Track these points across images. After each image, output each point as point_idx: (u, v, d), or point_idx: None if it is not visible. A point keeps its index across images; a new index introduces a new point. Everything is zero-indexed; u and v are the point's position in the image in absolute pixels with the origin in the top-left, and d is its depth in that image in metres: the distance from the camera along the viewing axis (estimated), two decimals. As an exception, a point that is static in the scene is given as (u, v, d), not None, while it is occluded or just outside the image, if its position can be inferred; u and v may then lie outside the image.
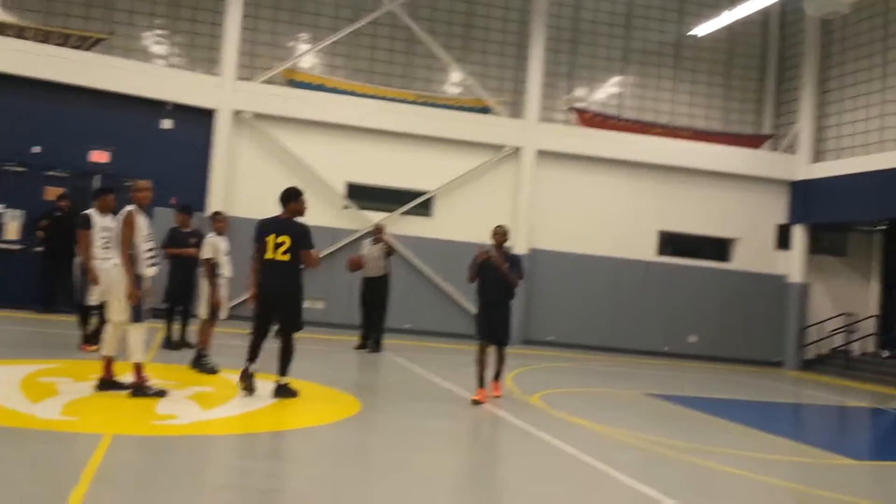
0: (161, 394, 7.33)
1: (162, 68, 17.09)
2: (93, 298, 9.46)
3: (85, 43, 16.13)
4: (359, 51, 18.42)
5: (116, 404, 6.99)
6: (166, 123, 16.19)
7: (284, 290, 7.88)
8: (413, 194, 17.40)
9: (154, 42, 17.61)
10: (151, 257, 7.52)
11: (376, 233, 13.61)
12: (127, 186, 15.37)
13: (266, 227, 7.97)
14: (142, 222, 7.42)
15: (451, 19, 18.89)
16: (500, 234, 9.38)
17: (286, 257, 7.78)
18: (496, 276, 9.01)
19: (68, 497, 4.22)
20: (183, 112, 16.26)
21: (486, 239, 16.92)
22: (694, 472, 6.69)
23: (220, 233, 9.93)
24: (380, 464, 6.02)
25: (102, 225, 9.38)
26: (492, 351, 9.07)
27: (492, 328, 9.02)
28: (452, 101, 18.31)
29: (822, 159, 18.97)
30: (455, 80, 18.96)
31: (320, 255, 7.77)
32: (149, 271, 7.48)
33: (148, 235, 7.48)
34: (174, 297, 11.22)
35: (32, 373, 7.77)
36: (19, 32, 15.74)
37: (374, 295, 13.32)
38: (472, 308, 17.32)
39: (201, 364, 9.27)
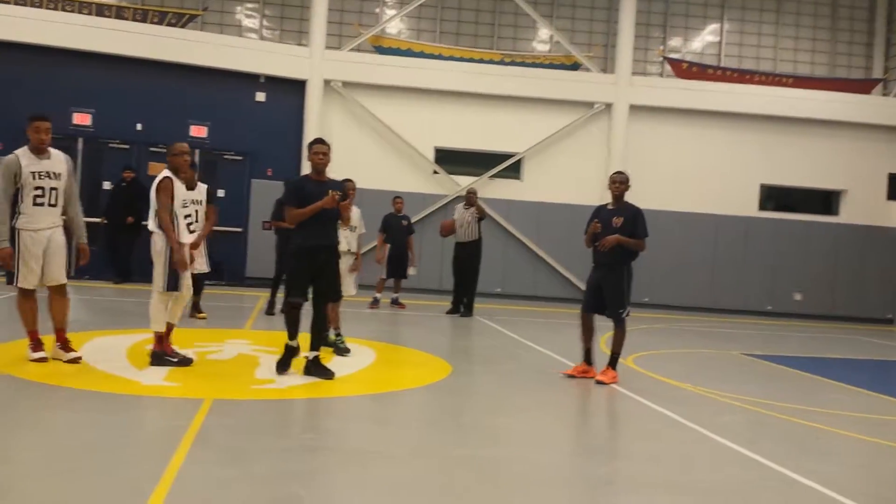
0: (186, 362, 7.11)
1: (254, 42, 17.47)
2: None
3: (180, 20, 16.63)
4: (445, 13, 18.30)
5: (217, 370, 7.27)
6: (260, 96, 16.56)
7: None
8: (502, 157, 17.26)
9: (246, 16, 17.99)
10: (190, 224, 7.36)
11: (468, 197, 13.52)
12: (225, 159, 16.18)
13: None
14: (179, 188, 7.17)
15: (539, -26, 18.47)
16: (618, 183, 7.94)
17: None
18: (609, 233, 7.81)
19: (171, 459, 4.42)
20: (275, 84, 16.60)
21: (578, 199, 16.82)
22: (800, 433, 6.44)
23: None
24: (470, 427, 6.05)
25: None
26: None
27: (595, 295, 8.00)
28: (540, 59, 17.99)
29: (940, 102, 17.74)
30: (543, 37, 18.62)
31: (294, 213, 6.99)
32: (187, 238, 7.29)
33: (185, 202, 7.27)
34: (281, 268, 11.50)
35: (139, 341, 8.15)
36: (118, 12, 16.35)
37: (467, 260, 13.32)
38: (565, 270, 17.24)
39: (337, 344, 8.53)
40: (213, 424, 5.30)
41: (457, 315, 13.33)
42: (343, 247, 8.49)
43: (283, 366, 7.15)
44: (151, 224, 7.11)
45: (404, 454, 5.09)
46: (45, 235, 6.75)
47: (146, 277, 7.68)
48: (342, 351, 8.43)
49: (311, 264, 7.07)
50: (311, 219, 6.99)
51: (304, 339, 7.25)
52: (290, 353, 7.19)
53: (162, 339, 7.18)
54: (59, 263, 6.85)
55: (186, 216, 7.31)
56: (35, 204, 6.67)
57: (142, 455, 4.64)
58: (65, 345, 6.94)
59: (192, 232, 7.41)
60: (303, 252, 7.07)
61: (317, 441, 5.28)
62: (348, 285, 8.81)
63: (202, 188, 8.04)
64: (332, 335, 8.45)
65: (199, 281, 10.03)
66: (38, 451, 4.60)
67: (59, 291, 6.94)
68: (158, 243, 7.06)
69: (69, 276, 7.09)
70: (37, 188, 6.67)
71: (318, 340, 7.23)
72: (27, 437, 4.94)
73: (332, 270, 7.26)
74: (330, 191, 7.01)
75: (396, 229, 13.65)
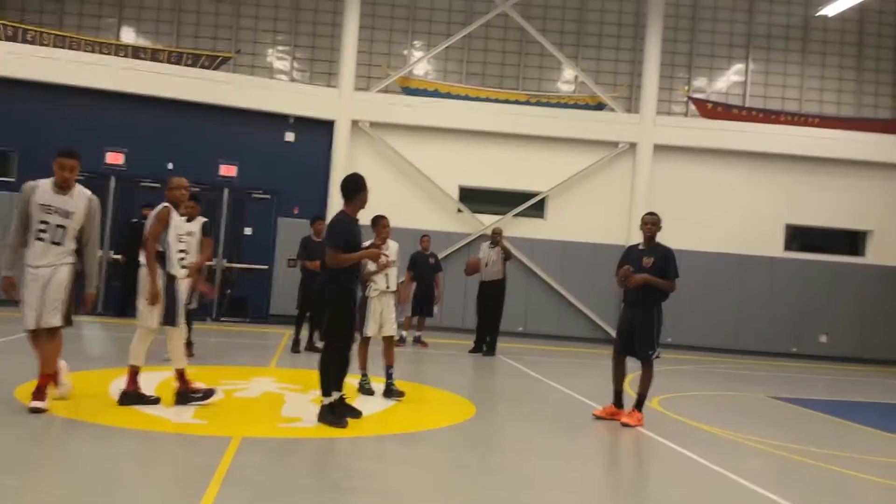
0: (154, 401, 6.90)
1: (285, 83, 17.86)
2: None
3: (213, 62, 17.05)
4: (471, 54, 18.60)
5: (244, 408, 7.35)
6: (289, 136, 16.87)
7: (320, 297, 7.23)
8: (526, 195, 17.38)
9: (277, 58, 18.41)
10: (182, 258, 7.19)
11: (494, 237, 13.58)
12: (253, 198, 16.44)
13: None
14: (176, 220, 7.01)
15: (564, 16, 18.77)
16: (651, 224, 7.96)
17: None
18: (639, 271, 7.83)
19: (202, 497, 4.49)
20: (304, 124, 16.91)
21: (601, 238, 16.86)
22: (828, 479, 6.39)
23: (384, 240, 8.48)
24: (496, 468, 6.07)
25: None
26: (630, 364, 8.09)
27: (626, 336, 7.99)
28: (565, 99, 18.18)
29: (967, 143, 17.62)
30: (568, 78, 18.83)
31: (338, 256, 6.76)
32: (181, 272, 7.11)
33: (181, 236, 7.16)
34: (305, 305, 11.64)
35: (166, 379, 8.25)
36: (153, 55, 16.80)
37: (491, 299, 13.35)
38: (588, 310, 17.22)
39: (362, 384, 8.51)
40: (243, 463, 5.37)
41: (480, 354, 13.34)
42: (381, 285, 8.40)
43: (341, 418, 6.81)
44: (142, 257, 6.91)
45: (433, 495, 5.12)
46: (45, 274, 6.28)
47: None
48: (367, 391, 8.44)
49: (351, 305, 6.99)
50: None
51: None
52: (344, 406, 7.01)
53: (136, 376, 6.88)
54: (51, 305, 6.26)
55: (180, 250, 7.18)
56: (36, 238, 6.28)
57: (173, 493, 4.72)
58: (40, 392, 6.30)
59: (183, 267, 7.26)
60: (347, 294, 6.94)
61: (345, 481, 5.33)
62: (393, 324, 8.59)
63: (199, 221, 8.12)
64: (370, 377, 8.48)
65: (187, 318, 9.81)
66: (67, 488, 4.69)
67: (48, 333, 6.34)
68: (146, 276, 6.83)
69: (70, 321, 6.49)
70: (41, 222, 6.28)
71: (341, 381, 7.05)
72: (55, 474, 5.03)
73: (353, 313, 7.11)
74: (381, 254, 7.45)
75: (424, 267, 13.77)
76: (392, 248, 8.67)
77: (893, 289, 17.61)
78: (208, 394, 7.12)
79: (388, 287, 8.50)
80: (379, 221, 8.40)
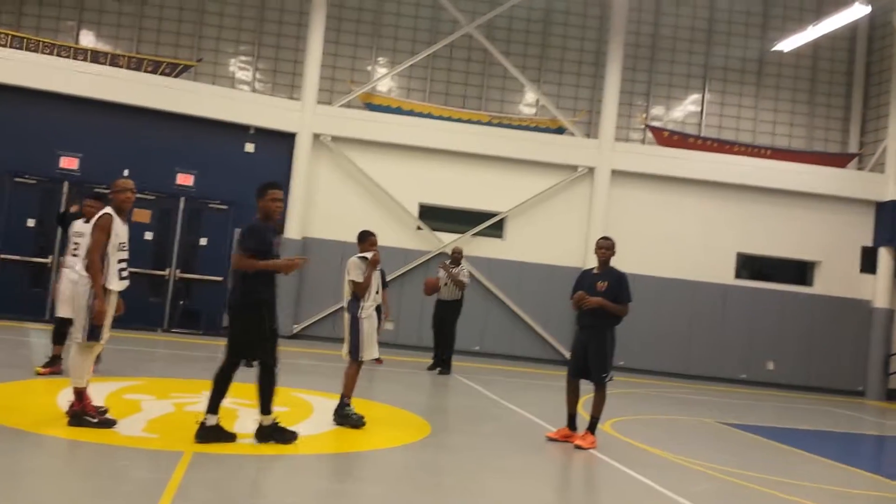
0: (108, 424, 6.46)
1: (246, 94, 17.74)
2: (61, 310, 8.75)
3: (175, 70, 16.87)
4: (435, 73, 18.70)
5: (196, 422, 7.23)
6: (249, 147, 16.74)
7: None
8: (485, 215, 17.49)
9: (239, 68, 18.29)
10: (122, 269, 6.66)
11: (454, 256, 13.69)
12: (210, 208, 16.24)
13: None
14: (119, 228, 6.59)
15: (528, 39, 18.99)
16: (605, 249, 8.10)
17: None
18: (593, 294, 7.93)
19: (150, 514, 4.42)
20: (265, 136, 16.80)
21: (558, 260, 17.04)
22: (770, 506, 6.52)
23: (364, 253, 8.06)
24: (449, 488, 6.07)
25: (77, 231, 8.62)
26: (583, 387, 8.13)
27: (580, 359, 8.07)
28: (527, 122, 18.36)
29: (912, 179, 18.24)
30: (530, 101, 19.04)
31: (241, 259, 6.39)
32: (118, 285, 6.64)
33: (122, 245, 6.65)
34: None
35: (117, 390, 8.11)
36: (113, 60, 16.57)
37: (445, 318, 13.48)
38: (543, 331, 17.35)
39: (344, 414, 7.79)
40: (195, 478, 5.29)
41: (436, 371, 13.34)
42: (371, 302, 7.95)
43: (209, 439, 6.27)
44: (79, 266, 6.59)
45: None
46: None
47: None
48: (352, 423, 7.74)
49: (265, 319, 6.50)
50: (267, 271, 6.48)
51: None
52: (220, 432, 6.38)
53: (83, 395, 6.49)
54: None
55: (121, 260, 6.65)
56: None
57: (121, 509, 4.63)
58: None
59: (123, 279, 6.71)
60: (261, 305, 6.46)
61: (298, 499, 5.28)
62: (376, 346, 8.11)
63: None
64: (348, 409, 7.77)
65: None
66: (11, 502, 4.56)
67: None
68: (81, 287, 6.49)
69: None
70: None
71: (271, 402, 6.59)
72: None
73: (275, 329, 6.64)
74: (297, 258, 6.83)
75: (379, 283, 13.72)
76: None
77: (839, 319, 18.08)
78: (107, 423, 6.49)
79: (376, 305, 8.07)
80: (367, 238, 8.05)
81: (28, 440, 5.99)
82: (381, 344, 14.06)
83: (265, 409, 6.58)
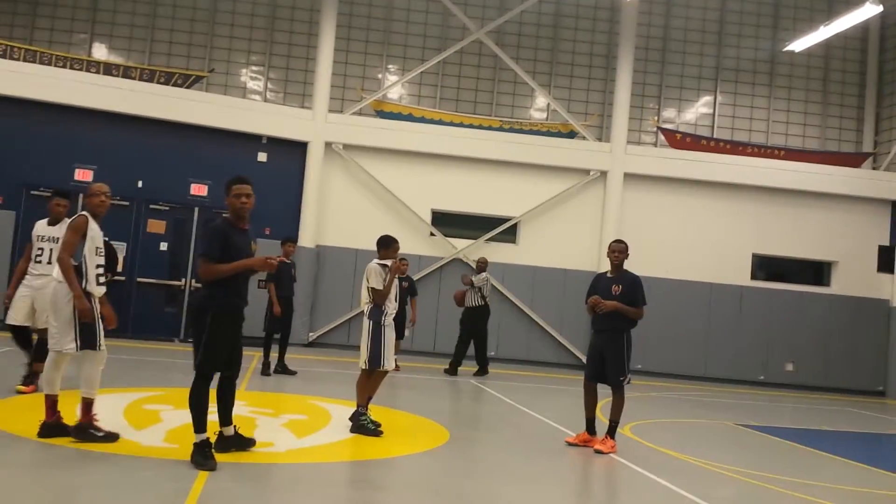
0: (111, 438, 6.27)
1: (258, 103, 17.81)
2: (13, 317, 8.15)
3: (186, 80, 16.96)
4: (445, 80, 18.73)
5: (215, 432, 7.23)
6: (262, 156, 16.80)
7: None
8: (498, 220, 17.47)
9: (251, 78, 18.37)
10: (100, 275, 6.40)
11: (478, 266, 14.46)
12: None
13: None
14: (94, 231, 6.34)
15: (538, 45, 19.00)
16: (618, 252, 8.01)
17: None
18: (607, 298, 7.89)
19: (173, 524, 4.41)
20: (277, 145, 16.85)
21: (572, 264, 17.00)
22: (794, 509, 6.45)
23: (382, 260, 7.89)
24: (469, 495, 6.04)
25: (40, 234, 8.09)
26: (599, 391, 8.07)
27: (596, 363, 8.03)
28: (538, 127, 18.35)
29: (928, 177, 18.12)
30: (541, 106, 19.03)
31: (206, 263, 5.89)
32: (97, 290, 6.36)
33: (99, 250, 6.39)
34: (273, 326, 11.59)
35: (137, 400, 8.12)
36: (125, 72, 16.68)
37: (469, 324, 14.19)
38: (558, 335, 17.29)
39: (360, 423, 7.69)
40: (215, 488, 5.29)
41: (453, 377, 13.77)
42: (391, 310, 7.79)
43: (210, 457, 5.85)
44: (56, 272, 6.28)
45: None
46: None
47: (113, 330, 6.80)
48: (374, 431, 7.65)
49: (235, 328, 6.14)
50: (235, 275, 5.98)
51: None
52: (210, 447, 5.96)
53: (55, 405, 6.25)
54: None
55: (98, 265, 6.38)
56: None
57: (144, 519, 4.63)
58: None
59: (100, 284, 6.41)
60: (227, 314, 6.02)
61: (318, 508, 5.27)
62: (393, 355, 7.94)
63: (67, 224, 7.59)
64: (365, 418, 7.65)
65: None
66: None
67: None
68: (61, 293, 6.19)
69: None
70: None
71: (230, 414, 6.32)
72: (23, 498, 4.91)
73: (241, 337, 6.27)
74: (271, 260, 6.05)
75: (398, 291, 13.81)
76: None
77: (857, 319, 17.94)
78: (111, 437, 6.29)
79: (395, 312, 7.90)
80: (392, 244, 7.86)
81: (52, 452, 5.99)
82: (397, 351, 14.38)
83: (226, 420, 6.27)
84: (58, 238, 7.46)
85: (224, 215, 6.24)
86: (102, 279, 6.44)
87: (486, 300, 14.16)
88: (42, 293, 7.57)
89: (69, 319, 6.15)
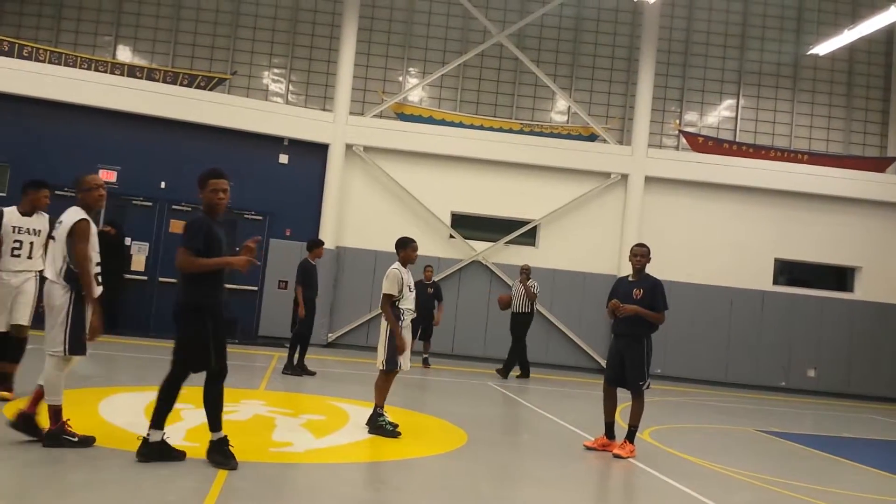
0: (86, 442, 5.99)
1: (280, 105, 17.93)
2: None
3: (209, 83, 17.11)
4: (466, 82, 18.75)
5: (234, 431, 7.26)
6: (283, 158, 16.91)
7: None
8: (518, 223, 17.45)
9: (272, 81, 18.49)
10: (98, 274, 6.12)
11: (524, 272, 14.73)
12: (245, 219, 16.41)
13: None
14: (93, 231, 6.06)
15: (559, 47, 18.97)
16: (640, 256, 7.98)
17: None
18: (628, 302, 7.88)
19: (192, 522, 4.45)
20: (298, 147, 16.95)
21: (592, 268, 16.95)
22: (815, 517, 6.39)
23: (404, 263, 7.88)
24: (487, 498, 6.04)
25: (16, 225, 7.45)
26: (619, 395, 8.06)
27: (616, 368, 8.01)
28: (558, 130, 18.32)
29: (955, 182, 17.86)
30: (561, 108, 19.00)
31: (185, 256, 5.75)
32: (95, 290, 6.10)
33: (95, 246, 6.11)
34: (302, 328, 11.71)
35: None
36: (149, 74, 16.85)
37: (514, 329, 14.63)
38: (577, 338, 17.23)
39: (378, 424, 7.71)
40: (235, 487, 5.33)
41: (505, 378, 14.30)
42: (410, 307, 7.76)
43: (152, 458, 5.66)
44: (50, 272, 5.97)
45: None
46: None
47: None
48: (392, 432, 7.66)
49: (214, 324, 5.94)
50: (216, 270, 5.87)
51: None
52: (166, 449, 5.77)
53: (59, 414, 5.95)
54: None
55: (97, 263, 6.14)
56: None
57: (164, 517, 4.67)
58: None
59: (99, 284, 6.16)
60: (206, 308, 5.91)
61: (335, 508, 5.30)
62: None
63: (44, 217, 7.38)
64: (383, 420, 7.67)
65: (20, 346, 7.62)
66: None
67: None
68: (58, 295, 5.92)
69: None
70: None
71: (220, 417, 5.95)
72: (44, 497, 4.96)
73: (224, 334, 6.11)
74: (250, 260, 6.02)
75: (422, 296, 13.86)
76: (404, 274, 7.81)
77: (880, 325, 17.73)
78: (86, 441, 6.02)
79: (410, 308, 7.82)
80: (409, 244, 7.83)
81: (70, 451, 6.05)
82: (440, 355, 14.75)
83: (215, 425, 5.88)
84: (38, 230, 7.44)
85: (201, 208, 6.00)
86: (100, 279, 6.16)
87: (533, 306, 14.71)
88: (24, 289, 7.36)
89: (62, 321, 5.89)
